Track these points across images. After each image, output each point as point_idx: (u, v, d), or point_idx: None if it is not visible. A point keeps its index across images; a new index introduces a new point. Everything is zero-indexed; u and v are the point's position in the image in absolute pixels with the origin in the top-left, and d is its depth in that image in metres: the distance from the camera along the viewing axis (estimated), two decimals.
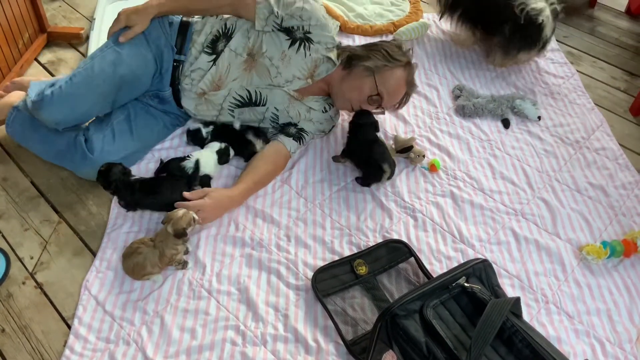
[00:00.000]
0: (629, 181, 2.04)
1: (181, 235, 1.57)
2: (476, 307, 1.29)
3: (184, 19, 1.96)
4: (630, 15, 2.98)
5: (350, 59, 1.94)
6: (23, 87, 2.08)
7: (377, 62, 1.90)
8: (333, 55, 1.94)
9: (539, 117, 2.27)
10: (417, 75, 2.42)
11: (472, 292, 1.30)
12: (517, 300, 1.30)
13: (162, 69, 1.92)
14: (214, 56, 1.91)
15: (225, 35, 1.93)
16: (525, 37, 2.33)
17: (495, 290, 1.38)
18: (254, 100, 1.94)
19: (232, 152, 1.92)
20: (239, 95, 1.93)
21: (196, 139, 1.99)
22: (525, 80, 2.48)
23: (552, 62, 2.60)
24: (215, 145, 1.89)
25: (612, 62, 2.65)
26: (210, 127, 1.99)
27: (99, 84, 1.78)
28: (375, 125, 1.93)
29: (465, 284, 1.31)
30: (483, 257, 1.45)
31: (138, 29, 1.83)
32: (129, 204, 1.77)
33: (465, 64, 2.54)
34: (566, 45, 2.71)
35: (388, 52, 1.92)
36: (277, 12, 1.86)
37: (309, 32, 1.89)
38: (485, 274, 1.38)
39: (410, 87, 2.00)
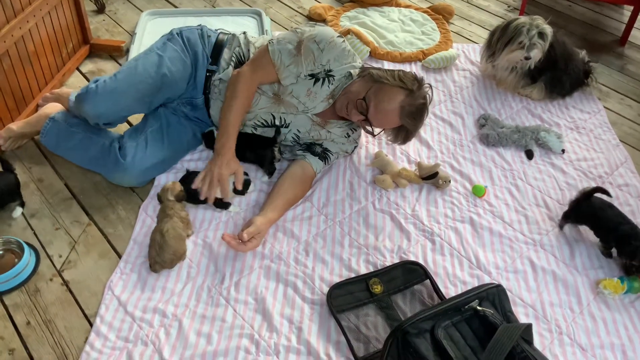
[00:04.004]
0: None
1: (182, 198, 1.80)
2: (487, 330, 1.30)
3: (220, 37, 2.06)
4: None
5: (366, 70, 1.97)
6: (61, 99, 2.19)
7: (382, 75, 1.89)
8: (354, 72, 1.97)
9: (563, 150, 2.28)
10: (435, 109, 2.45)
11: (484, 315, 1.32)
12: (528, 326, 1.31)
13: (197, 77, 2.02)
14: None
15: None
16: (573, 86, 2.58)
17: (508, 315, 1.39)
18: (277, 124, 2.02)
19: (252, 188, 1.96)
20: (264, 119, 2.01)
21: (210, 140, 2.03)
22: (551, 113, 2.50)
23: (580, 97, 2.61)
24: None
25: None
26: None
27: (141, 81, 1.88)
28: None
29: (478, 307, 1.33)
30: (497, 283, 1.46)
31: None
32: None
33: (492, 95, 2.57)
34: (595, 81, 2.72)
35: (399, 74, 1.89)
36: (301, 73, 1.92)
37: (330, 70, 1.94)
38: (498, 298, 1.39)
39: (406, 118, 1.86)
